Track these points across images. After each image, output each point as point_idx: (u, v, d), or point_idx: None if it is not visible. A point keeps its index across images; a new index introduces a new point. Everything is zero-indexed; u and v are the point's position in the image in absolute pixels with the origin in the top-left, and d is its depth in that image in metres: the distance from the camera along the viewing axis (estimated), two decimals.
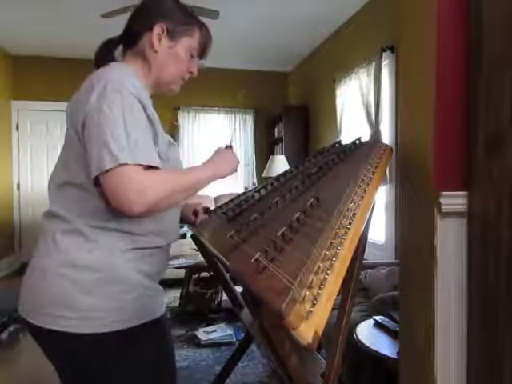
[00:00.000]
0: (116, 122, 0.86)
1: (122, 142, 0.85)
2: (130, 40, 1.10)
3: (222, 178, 1.10)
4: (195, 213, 1.33)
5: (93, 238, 0.93)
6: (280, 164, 4.69)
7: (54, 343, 0.95)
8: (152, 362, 0.99)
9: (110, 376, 0.95)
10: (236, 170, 1.14)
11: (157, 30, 1.06)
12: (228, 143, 1.18)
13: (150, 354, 1.00)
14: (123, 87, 0.90)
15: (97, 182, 0.88)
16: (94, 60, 1.10)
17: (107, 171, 0.84)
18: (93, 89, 0.91)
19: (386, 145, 1.45)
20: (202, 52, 1.15)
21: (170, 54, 1.08)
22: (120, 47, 1.13)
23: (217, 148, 1.17)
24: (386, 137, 3.43)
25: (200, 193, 1.11)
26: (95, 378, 0.96)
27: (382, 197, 3.47)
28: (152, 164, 0.89)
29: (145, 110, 0.93)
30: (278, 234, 0.92)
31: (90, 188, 0.92)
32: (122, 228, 0.95)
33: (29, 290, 0.97)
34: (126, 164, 0.84)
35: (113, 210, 0.91)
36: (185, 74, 1.14)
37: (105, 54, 1.10)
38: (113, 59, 1.11)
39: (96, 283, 0.92)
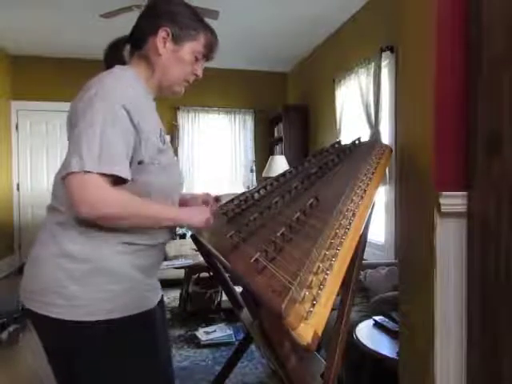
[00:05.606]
0: (94, 130, 0.90)
1: (93, 150, 0.89)
2: (136, 43, 1.12)
3: (186, 225, 1.14)
4: (205, 203, 1.26)
5: (85, 230, 0.97)
6: (280, 164, 4.68)
7: (45, 328, 1.00)
8: (137, 355, 1.02)
9: (93, 366, 0.97)
10: (206, 224, 1.10)
11: (162, 33, 1.07)
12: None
13: (136, 347, 1.02)
14: (111, 96, 0.95)
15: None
16: (103, 59, 1.13)
17: (72, 173, 0.88)
18: (85, 94, 0.96)
19: (386, 145, 1.46)
20: (208, 54, 1.16)
21: (174, 57, 1.10)
22: (128, 47, 1.15)
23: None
24: (386, 137, 3.42)
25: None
26: (80, 366, 0.98)
27: (382, 197, 3.47)
28: (116, 174, 0.91)
29: (131, 119, 0.96)
30: (278, 234, 0.92)
31: None
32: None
33: (26, 277, 1.02)
34: (89, 172, 0.88)
35: None
36: (189, 76, 1.15)
37: (113, 54, 1.13)
38: (121, 59, 1.13)
39: (86, 273, 0.96)
